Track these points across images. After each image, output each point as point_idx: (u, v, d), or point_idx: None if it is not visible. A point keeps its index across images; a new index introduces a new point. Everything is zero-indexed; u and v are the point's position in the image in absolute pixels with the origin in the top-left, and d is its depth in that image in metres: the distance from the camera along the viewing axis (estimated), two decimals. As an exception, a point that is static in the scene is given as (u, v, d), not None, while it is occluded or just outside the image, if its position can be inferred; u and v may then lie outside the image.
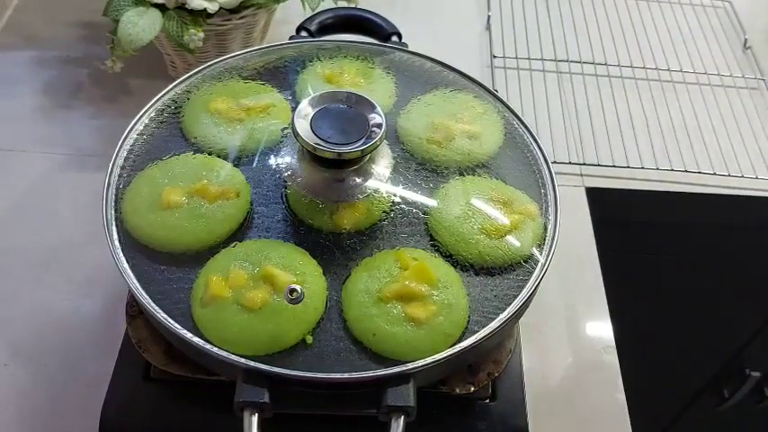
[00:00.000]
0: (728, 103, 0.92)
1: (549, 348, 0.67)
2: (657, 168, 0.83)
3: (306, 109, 0.50)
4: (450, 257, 0.52)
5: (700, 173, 0.83)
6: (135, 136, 0.57)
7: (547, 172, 0.57)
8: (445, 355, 0.46)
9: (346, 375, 0.45)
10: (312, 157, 0.50)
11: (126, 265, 0.50)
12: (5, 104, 0.83)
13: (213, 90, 0.60)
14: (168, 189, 0.52)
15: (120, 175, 0.54)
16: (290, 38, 0.67)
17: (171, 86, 0.60)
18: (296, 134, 0.49)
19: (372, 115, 0.49)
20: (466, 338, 0.48)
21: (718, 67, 0.96)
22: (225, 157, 0.56)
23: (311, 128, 0.48)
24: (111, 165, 0.54)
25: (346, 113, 0.49)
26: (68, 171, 0.77)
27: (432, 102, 0.61)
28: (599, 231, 0.76)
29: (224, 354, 0.46)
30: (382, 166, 0.53)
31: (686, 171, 0.83)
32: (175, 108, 0.59)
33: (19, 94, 0.84)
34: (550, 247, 0.52)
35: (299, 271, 0.49)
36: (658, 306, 0.96)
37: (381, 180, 0.53)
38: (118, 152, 0.55)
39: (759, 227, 0.90)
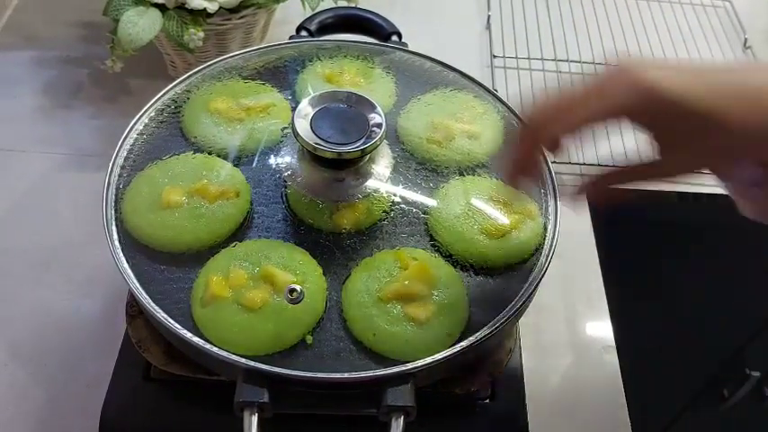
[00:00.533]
0: (728, 102, 0.92)
1: (549, 348, 0.67)
2: (657, 168, 0.83)
3: (306, 109, 0.50)
4: (450, 257, 0.52)
5: (700, 173, 0.83)
6: (135, 136, 0.57)
7: (547, 172, 0.57)
8: (445, 355, 0.46)
9: (346, 375, 0.45)
10: (312, 156, 0.50)
11: (126, 265, 0.50)
12: (5, 104, 0.83)
13: (213, 90, 0.60)
14: (168, 189, 0.52)
15: (120, 175, 0.54)
16: (290, 38, 0.67)
17: (171, 86, 0.60)
18: (296, 134, 0.49)
19: (372, 115, 0.49)
20: (466, 338, 0.48)
21: (718, 67, 0.96)
22: (225, 157, 0.56)
23: (311, 128, 0.48)
24: (111, 164, 0.54)
25: (346, 113, 0.49)
26: (68, 171, 0.77)
27: (432, 102, 0.61)
28: (599, 231, 0.76)
29: (224, 354, 0.46)
30: (382, 166, 0.53)
31: (686, 171, 0.83)
32: (175, 108, 0.59)
33: (19, 94, 0.84)
34: (550, 247, 0.52)
35: (299, 271, 0.49)
36: (658, 306, 0.97)
37: (381, 180, 0.53)
38: (118, 152, 0.55)
39: (759, 227, 0.90)
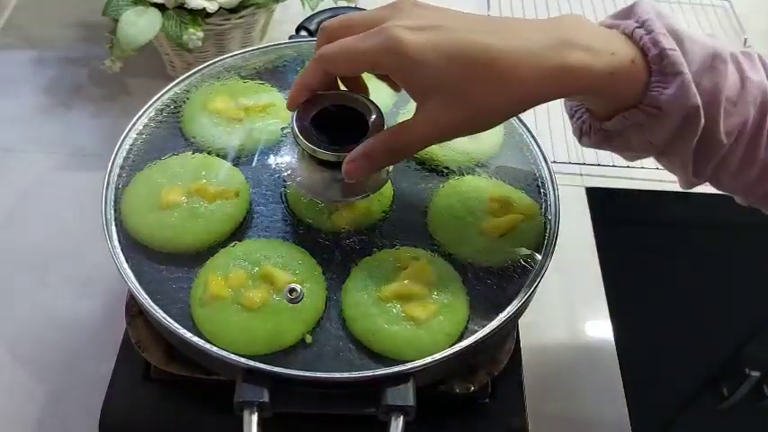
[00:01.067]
0: (728, 102, 0.91)
1: (549, 348, 0.67)
2: (657, 168, 0.83)
3: (305, 109, 0.50)
4: (450, 257, 0.52)
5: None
6: (134, 135, 0.57)
7: (547, 172, 0.57)
8: (445, 354, 0.46)
9: (346, 375, 0.45)
10: (311, 157, 0.50)
11: (125, 266, 0.49)
12: (5, 104, 0.83)
13: (212, 90, 0.60)
14: (167, 189, 0.52)
15: (119, 175, 0.54)
16: (290, 37, 0.67)
17: (170, 86, 0.60)
18: (295, 135, 0.48)
19: (372, 115, 0.49)
20: (466, 338, 0.48)
21: (717, 66, 0.96)
22: (224, 157, 0.56)
23: (311, 128, 0.48)
24: (110, 164, 0.54)
25: (346, 114, 0.49)
26: (68, 171, 0.77)
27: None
28: (599, 231, 0.76)
29: (224, 353, 0.46)
30: None
31: (686, 171, 0.83)
32: (175, 108, 0.59)
33: (18, 93, 0.84)
34: (550, 247, 0.52)
35: (299, 271, 0.49)
36: (658, 306, 0.96)
37: (381, 180, 0.52)
38: (117, 151, 0.55)
39: (759, 227, 0.90)
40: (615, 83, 0.42)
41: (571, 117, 0.50)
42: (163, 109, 0.58)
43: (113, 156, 0.55)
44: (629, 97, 0.43)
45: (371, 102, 0.50)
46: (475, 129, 0.44)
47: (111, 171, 0.54)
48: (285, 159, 0.54)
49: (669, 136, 0.44)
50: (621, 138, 0.46)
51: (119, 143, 0.56)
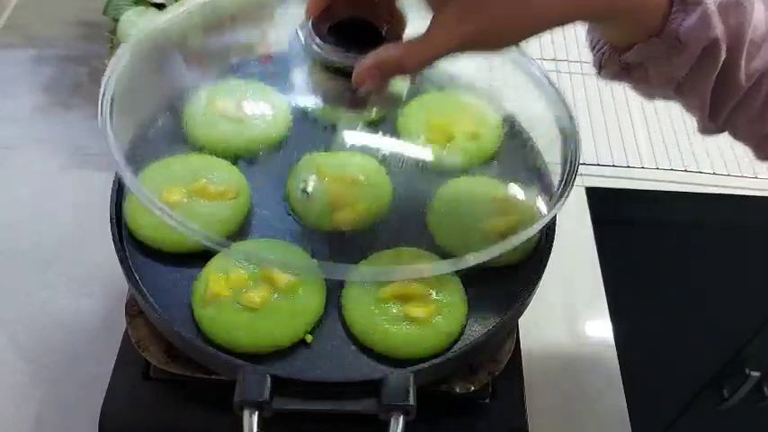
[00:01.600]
0: (728, 102, 0.92)
1: (549, 348, 0.67)
2: (657, 168, 0.83)
3: (320, 20, 0.48)
4: (450, 257, 0.52)
5: (700, 173, 0.83)
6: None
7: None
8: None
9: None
10: (323, 66, 0.47)
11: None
12: (5, 104, 0.83)
13: (213, 90, 0.60)
14: (168, 188, 0.52)
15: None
16: None
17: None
18: (307, 43, 0.46)
19: (386, 26, 0.47)
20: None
21: (718, 66, 0.96)
22: (225, 157, 0.56)
23: (326, 38, 0.46)
24: (100, 101, 0.53)
25: (360, 24, 0.47)
26: (68, 170, 0.77)
27: (432, 101, 0.61)
28: (599, 231, 0.76)
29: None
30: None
31: (686, 171, 0.83)
32: (175, 107, 0.59)
33: (18, 93, 0.84)
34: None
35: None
36: (658, 306, 0.97)
37: (393, 97, 0.50)
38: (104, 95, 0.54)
39: (759, 227, 0.90)
40: (635, 10, 0.41)
41: (592, 49, 0.49)
42: (163, 109, 0.58)
43: (101, 96, 0.53)
44: (650, 26, 0.42)
45: (388, 15, 0.48)
46: (489, 43, 0.43)
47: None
48: (296, 69, 0.51)
49: (688, 69, 0.43)
50: (640, 69, 0.45)
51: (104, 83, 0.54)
